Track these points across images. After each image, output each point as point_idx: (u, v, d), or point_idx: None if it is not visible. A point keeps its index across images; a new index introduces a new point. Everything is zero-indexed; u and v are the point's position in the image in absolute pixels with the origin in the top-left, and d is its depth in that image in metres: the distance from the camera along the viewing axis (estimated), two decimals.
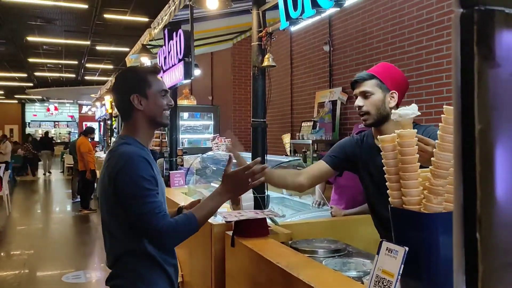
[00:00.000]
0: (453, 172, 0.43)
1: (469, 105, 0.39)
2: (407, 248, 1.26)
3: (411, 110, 1.45)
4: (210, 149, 6.07)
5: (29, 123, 27.40)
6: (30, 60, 15.54)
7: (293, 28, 2.42)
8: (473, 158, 0.39)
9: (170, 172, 4.50)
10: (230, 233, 2.23)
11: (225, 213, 2.24)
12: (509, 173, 0.40)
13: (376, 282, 1.31)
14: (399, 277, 1.25)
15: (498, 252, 0.40)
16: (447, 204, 1.25)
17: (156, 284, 1.60)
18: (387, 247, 1.32)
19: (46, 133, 18.99)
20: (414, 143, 1.38)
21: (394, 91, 1.87)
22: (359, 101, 1.90)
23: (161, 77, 1.79)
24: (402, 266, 1.25)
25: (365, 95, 1.87)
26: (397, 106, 1.88)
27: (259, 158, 1.85)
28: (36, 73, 18.51)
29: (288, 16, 2.26)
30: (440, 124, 1.31)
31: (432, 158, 1.30)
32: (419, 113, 1.49)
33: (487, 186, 0.39)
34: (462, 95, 0.40)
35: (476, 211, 0.39)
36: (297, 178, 2.03)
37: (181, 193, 3.98)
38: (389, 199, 1.45)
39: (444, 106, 1.22)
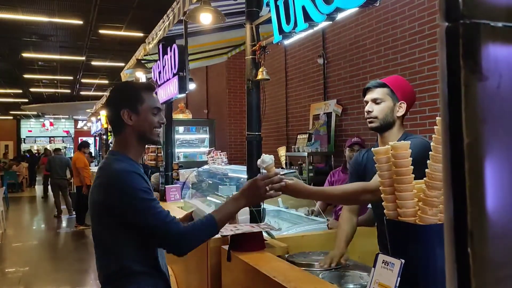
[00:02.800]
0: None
1: (457, 119, 0.39)
2: (403, 261, 1.25)
3: (268, 159, 1.79)
4: (206, 162, 6.05)
5: (24, 139, 27.28)
6: (26, 76, 15.54)
7: (287, 42, 2.42)
8: (462, 172, 0.39)
9: (166, 186, 4.47)
10: (226, 247, 2.21)
11: None
12: (499, 186, 0.39)
13: None
14: None
15: (490, 266, 0.39)
16: (442, 215, 1.24)
17: None
18: (383, 260, 1.31)
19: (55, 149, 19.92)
20: (408, 155, 1.38)
21: (403, 101, 1.94)
22: (369, 107, 1.96)
23: (156, 92, 1.79)
24: (399, 279, 1.24)
25: (376, 101, 1.94)
26: (403, 117, 1.96)
27: (279, 170, 1.87)
28: (32, 89, 18.50)
29: (281, 30, 2.27)
30: (433, 135, 1.32)
31: (426, 170, 1.31)
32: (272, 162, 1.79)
33: (477, 200, 0.39)
34: (449, 109, 0.40)
35: (467, 226, 0.38)
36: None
37: (177, 208, 3.95)
38: (384, 211, 1.44)
39: (436, 118, 1.22)
